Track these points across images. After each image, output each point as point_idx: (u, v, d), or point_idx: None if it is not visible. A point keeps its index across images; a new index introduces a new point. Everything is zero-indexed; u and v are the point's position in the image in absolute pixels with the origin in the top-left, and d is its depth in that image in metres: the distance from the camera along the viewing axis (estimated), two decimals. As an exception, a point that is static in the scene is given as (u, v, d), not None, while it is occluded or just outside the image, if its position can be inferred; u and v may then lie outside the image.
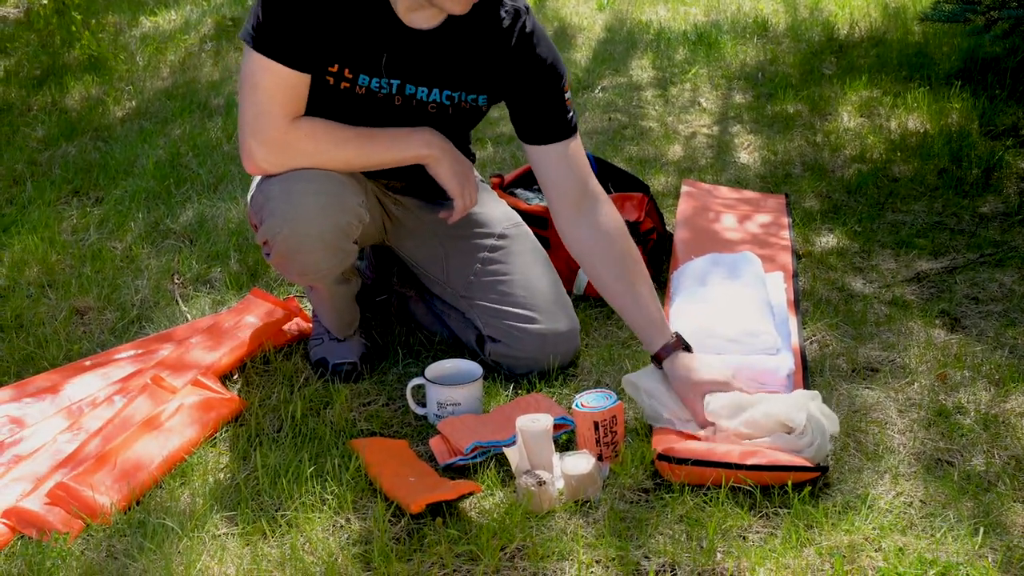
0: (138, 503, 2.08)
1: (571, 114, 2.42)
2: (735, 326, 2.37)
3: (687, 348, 2.28)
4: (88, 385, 2.46)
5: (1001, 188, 3.43)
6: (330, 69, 2.32)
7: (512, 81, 2.41)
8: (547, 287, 2.52)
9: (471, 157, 2.68)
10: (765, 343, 2.34)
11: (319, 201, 2.26)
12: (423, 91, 2.38)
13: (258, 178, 2.41)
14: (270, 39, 2.24)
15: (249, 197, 2.43)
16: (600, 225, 2.39)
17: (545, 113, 2.40)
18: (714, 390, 2.19)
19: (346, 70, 2.33)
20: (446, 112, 2.42)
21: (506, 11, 2.36)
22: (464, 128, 2.55)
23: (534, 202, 2.94)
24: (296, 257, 2.30)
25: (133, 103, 4.78)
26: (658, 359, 2.27)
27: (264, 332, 2.61)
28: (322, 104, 2.37)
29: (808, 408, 2.08)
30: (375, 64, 2.33)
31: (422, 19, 2.31)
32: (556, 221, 2.43)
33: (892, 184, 3.51)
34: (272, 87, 2.26)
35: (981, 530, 1.90)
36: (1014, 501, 2.00)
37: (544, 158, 2.41)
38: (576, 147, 2.43)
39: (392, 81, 2.35)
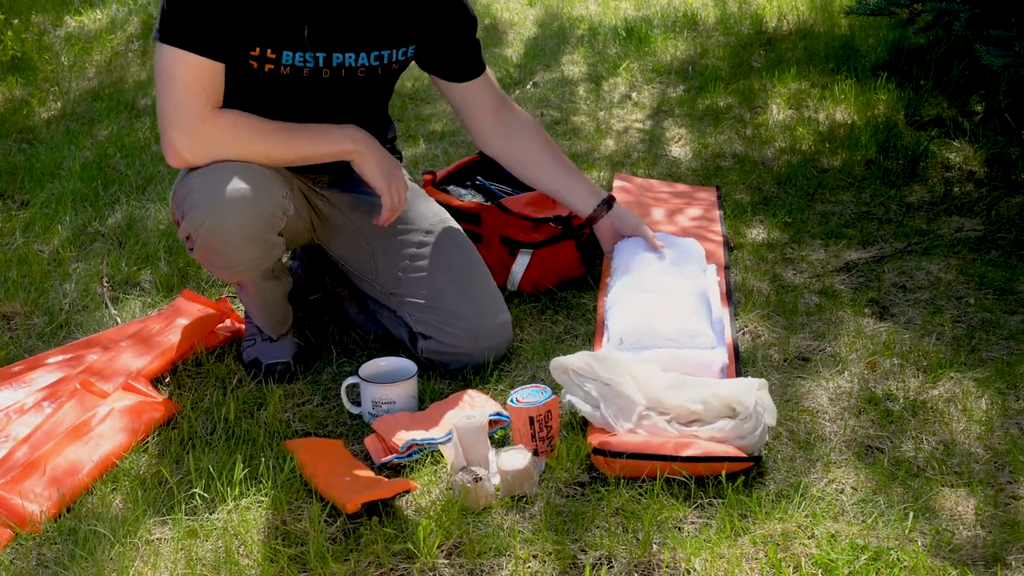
0: (68, 510, 2.05)
1: (481, 53, 2.61)
2: (674, 324, 2.37)
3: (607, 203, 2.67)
4: (15, 391, 2.41)
5: (927, 178, 3.49)
6: (252, 53, 2.30)
7: (437, 25, 2.48)
8: (476, 282, 2.52)
9: (391, 131, 2.72)
10: (702, 343, 2.35)
11: (241, 193, 2.24)
12: (351, 57, 2.38)
13: (181, 175, 2.39)
14: (180, 30, 2.23)
15: (172, 193, 2.41)
16: (523, 124, 2.67)
17: (467, 52, 2.56)
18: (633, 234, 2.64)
19: (268, 51, 2.31)
20: (375, 74, 2.44)
21: None
22: (389, 87, 2.60)
23: (467, 198, 2.94)
24: (219, 250, 2.27)
25: (59, 104, 4.71)
26: (593, 219, 2.68)
27: (196, 334, 2.58)
28: (248, 91, 2.35)
29: (755, 394, 2.10)
30: (298, 39, 2.31)
31: None
32: (483, 141, 2.67)
33: (821, 175, 3.56)
34: (188, 77, 2.25)
35: (911, 515, 1.93)
36: (942, 486, 2.03)
37: (468, 93, 2.60)
38: (488, 74, 2.63)
39: (318, 54, 2.34)
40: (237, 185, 2.24)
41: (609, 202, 2.67)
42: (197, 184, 2.26)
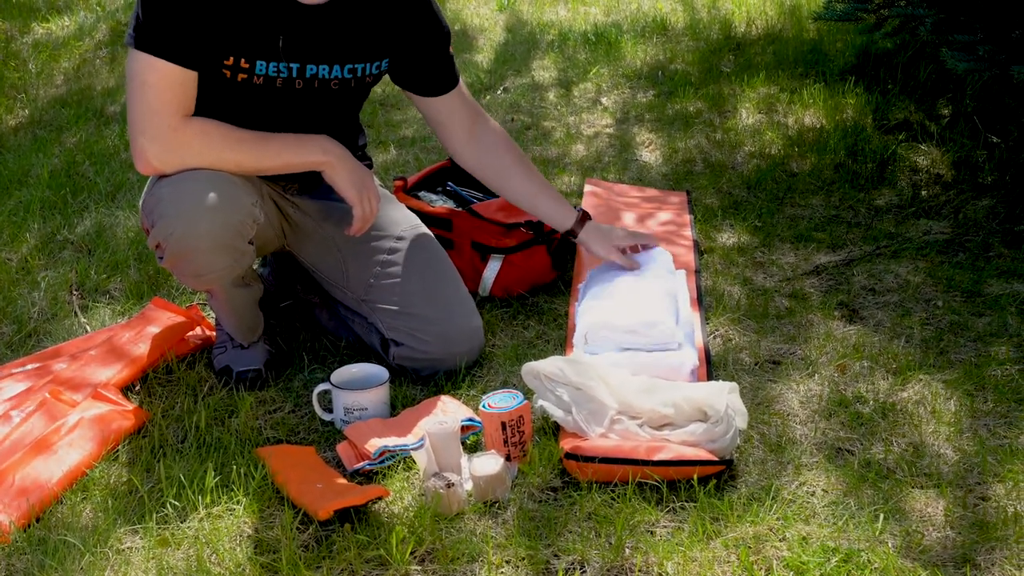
0: (38, 520, 2.04)
1: (455, 66, 2.60)
2: (633, 317, 2.38)
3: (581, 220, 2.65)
4: (-16, 401, 2.40)
5: (895, 181, 3.51)
6: (225, 62, 2.30)
7: (411, 40, 2.47)
8: (447, 287, 2.52)
9: (362, 138, 2.72)
10: (663, 334, 2.36)
11: (211, 201, 2.23)
12: (324, 69, 2.38)
13: (150, 184, 2.38)
14: (153, 37, 2.23)
15: (141, 203, 2.40)
16: (496, 138, 2.65)
17: (441, 66, 2.55)
18: (626, 243, 2.65)
19: (242, 60, 2.30)
20: (348, 86, 2.44)
21: None
22: (362, 98, 2.59)
23: (438, 204, 2.94)
24: (189, 258, 2.26)
25: (26, 111, 4.67)
26: (573, 233, 2.65)
27: (166, 342, 2.57)
28: (220, 100, 2.35)
29: (726, 398, 2.11)
30: (272, 49, 2.31)
31: None
32: (455, 153, 2.66)
33: (790, 179, 3.57)
34: (160, 85, 2.24)
35: (881, 516, 1.95)
36: (912, 487, 2.04)
37: (440, 107, 2.59)
38: (461, 86, 2.62)
39: (292, 65, 2.34)
40: (206, 194, 2.23)
41: (582, 219, 2.66)
42: (166, 193, 2.25)
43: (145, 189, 2.40)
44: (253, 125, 2.39)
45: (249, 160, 2.33)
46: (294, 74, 2.36)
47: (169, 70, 2.24)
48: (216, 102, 2.37)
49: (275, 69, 2.34)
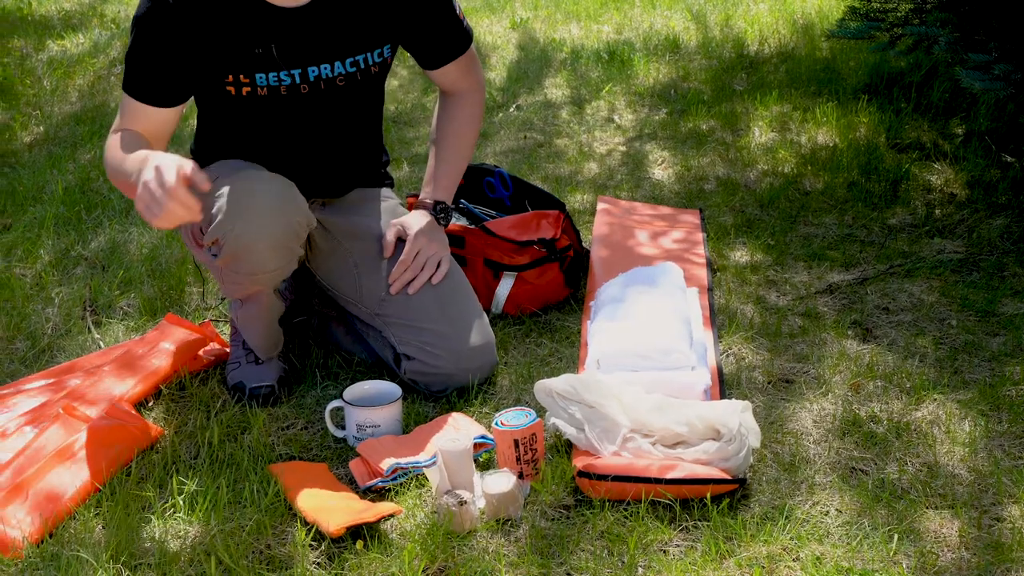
0: (51, 535, 2.04)
1: (464, 23, 2.58)
2: (648, 344, 2.39)
3: (441, 216, 2.61)
4: (-2, 416, 2.40)
5: (909, 200, 3.50)
6: (226, 81, 2.32)
7: (407, 18, 2.48)
8: (461, 303, 2.52)
9: (384, 155, 2.75)
10: (677, 361, 2.36)
11: (271, 200, 2.28)
12: (326, 68, 2.40)
13: None
14: (129, 79, 2.35)
15: None
16: (464, 102, 2.66)
17: (442, 35, 2.56)
18: (402, 228, 2.56)
19: (241, 75, 2.33)
20: (355, 80, 2.45)
21: None
22: (377, 95, 2.60)
23: (451, 221, 2.94)
24: (246, 256, 2.29)
25: (41, 128, 4.69)
26: (410, 205, 2.69)
27: (179, 358, 2.57)
28: (235, 116, 2.39)
29: (740, 416, 2.10)
30: (267, 59, 2.33)
31: None
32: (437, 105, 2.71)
33: (803, 198, 3.57)
34: (129, 115, 2.37)
35: (895, 537, 1.94)
36: (927, 508, 2.03)
37: (447, 76, 2.63)
38: (472, 55, 2.64)
39: (292, 71, 2.36)
40: (267, 193, 2.29)
41: (428, 207, 2.63)
42: (227, 191, 2.29)
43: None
44: (273, 136, 2.43)
45: (129, 174, 2.27)
46: (296, 80, 2.38)
47: (141, 109, 2.35)
48: (229, 119, 2.40)
49: (275, 78, 2.36)
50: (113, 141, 2.34)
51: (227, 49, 2.31)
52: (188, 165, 2.04)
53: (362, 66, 2.45)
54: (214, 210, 2.30)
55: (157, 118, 2.36)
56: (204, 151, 2.54)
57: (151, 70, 2.32)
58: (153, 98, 2.33)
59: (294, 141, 2.49)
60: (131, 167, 2.21)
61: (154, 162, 2.05)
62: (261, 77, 2.35)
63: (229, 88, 2.35)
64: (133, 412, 2.37)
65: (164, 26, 2.28)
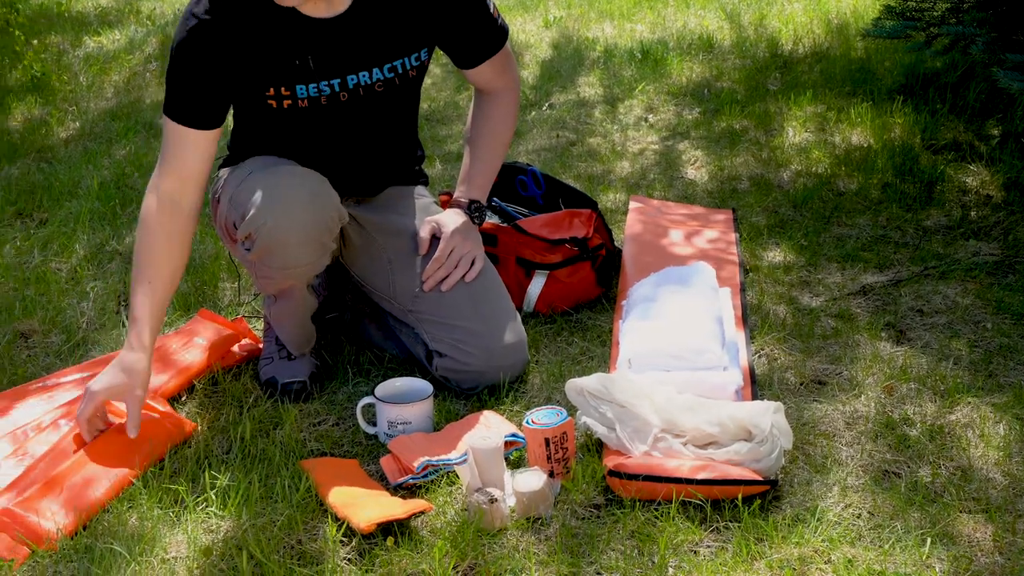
0: (85, 528, 2.06)
1: (498, 20, 2.57)
2: (680, 343, 2.38)
3: (475, 215, 2.60)
4: (33, 409, 2.42)
5: (943, 202, 3.48)
6: (267, 95, 2.34)
7: (441, 19, 2.47)
8: (493, 301, 2.52)
9: (419, 150, 2.75)
10: (709, 361, 2.35)
11: (304, 195, 2.30)
12: (364, 75, 2.41)
13: (223, 178, 2.42)
14: (169, 101, 2.34)
15: (221, 197, 2.43)
16: (500, 101, 2.66)
17: (477, 33, 2.55)
18: (437, 225, 2.56)
19: (282, 88, 2.35)
20: (394, 85, 2.46)
21: None
22: (414, 97, 2.60)
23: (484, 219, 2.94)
24: (279, 250, 2.30)
25: (77, 124, 4.73)
26: (445, 203, 2.70)
27: (213, 353, 2.59)
28: (277, 128, 2.42)
29: (771, 417, 2.09)
30: (306, 71, 2.34)
31: (324, 7, 2.33)
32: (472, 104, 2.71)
33: (837, 198, 3.55)
34: (169, 141, 2.35)
35: (928, 541, 1.93)
36: (960, 512, 2.02)
37: (482, 75, 2.63)
38: (507, 52, 2.63)
39: (332, 81, 2.37)
40: (299, 188, 2.30)
41: (462, 206, 2.63)
42: (259, 186, 2.30)
43: (220, 186, 2.43)
44: (307, 142, 2.44)
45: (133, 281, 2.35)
46: (336, 88, 2.39)
47: (178, 132, 2.33)
48: (268, 126, 2.42)
49: (315, 89, 2.37)
50: (147, 228, 2.33)
51: (267, 64, 2.33)
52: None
53: (400, 71, 2.46)
54: (247, 205, 2.31)
55: (200, 144, 2.34)
56: (240, 149, 2.55)
57: (193, 93, 2.32)
58: (195, 121, 2.32)
59: (331, 145, 2.50)
60: (133, 305, 2.30)
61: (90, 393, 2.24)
62: (301, 89, 2.37)
63: (270, 102, 2.37)
64: (167, 407, 2.38)
65: (204, 50, 2.28)
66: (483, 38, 2.57)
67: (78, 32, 6.20)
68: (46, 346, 2.78)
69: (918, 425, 2.30)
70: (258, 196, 2.29)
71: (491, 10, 2.54)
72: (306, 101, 2.39)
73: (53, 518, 2.04)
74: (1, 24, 5.66)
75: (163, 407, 2.37)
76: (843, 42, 5.19)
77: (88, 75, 5.41)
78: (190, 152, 2.34)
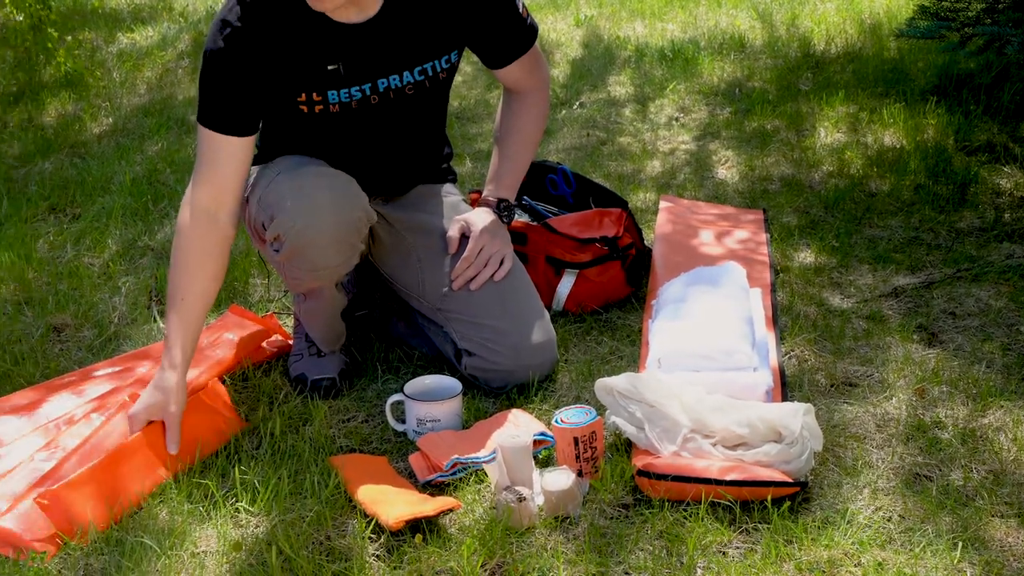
0: (117, 522, 2.07)
1: (528, 19, 2.57)
2: (709, 344, 2.37)
3: (504, 214, 2.60)
4: (65, 403, 2.43)
5: (977, 203, 3.45)
6: (298, 100, 2.35)
7: (470, 20, 2.47)
8: (522, 300, 2.52)
9: (447, 148, 2.76)
10: (739, 362, 2.34)
11: (332, 196, 2.31)
12: (395, 79, 2.41)
13: (253, 176, 2.43)
14: (202, 109, 2.34)
15: (250, 197, 2.44)
16: (530, 101, 2.66)
17: (506, 34, 2.55)
18: (466, 224, 2.56)
19: (313, 94, 2.36)
20: (424, 87, 2.46)
21: None
22: (444, 97, 2.61)
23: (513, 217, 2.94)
24: (307, 252, 2.31)
25: (110, 119, 4.77)
26: (474, 202, 2.70)
27: (243, 349, 2.60)
28: (307, 131, 2.42)
29: (802, 419, 2.08)
30: (336, 76, 2.35)
31: (354, 13, 2.33)
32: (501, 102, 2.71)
33: (869, 199, 3.53)
34: (204, 149, 2.35)
35: (960, 545, 1.91)
36: (992, 516, 2.00)
37: (511, 74, 2.62)
38: (536, 52, 2.64)
39: (363, 86, 2.38)
40: (327, 189, 2.31)
41: (491, 205, 2.63)
42: (288, 188, 2.31)
43: (250, 185, 2.44)
44: (337, 144, 2.45)
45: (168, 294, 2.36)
46: (367, 92, 2.39)
47: (212, 140, 2.33)
48: (298, 129, 2.43)
49: (347, 94, 2.38)
50: (184, 242, 2.33)
51: (298, 70, 2.34)
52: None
53: (430, 73, 2.46)
54: (275, 207, 2.32)
55: (234, 152, 2.34)
56: (269, 148, 2.56)
57: (227, 100, 2.32)
58: (230, 127, 2.32)
59: (361, 146, 2.51)
60: (166, 324, 2.32)
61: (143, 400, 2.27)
62: (333, 94, 2.38)
63: (302, 107, 2.38)
64: (227, 401, 2.41)
65: (237, 57, 2.28)
66: (512, 38, 2.56)
67: (111, 28, 6.24)
68: (78, 340, 2.81)
69: (950, 428, 2.29)
70: (286, 198, 2.30)
71: (520, 10, 2.54)
72: (337, 106, 2.40)
73: (84, 511, 2.05)
74: (34, 22, 5.71)
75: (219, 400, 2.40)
76: (876, 42, 5.16)
77: (121, 71, 5.44)
78: (225, 159, 2.33)
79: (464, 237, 2.56)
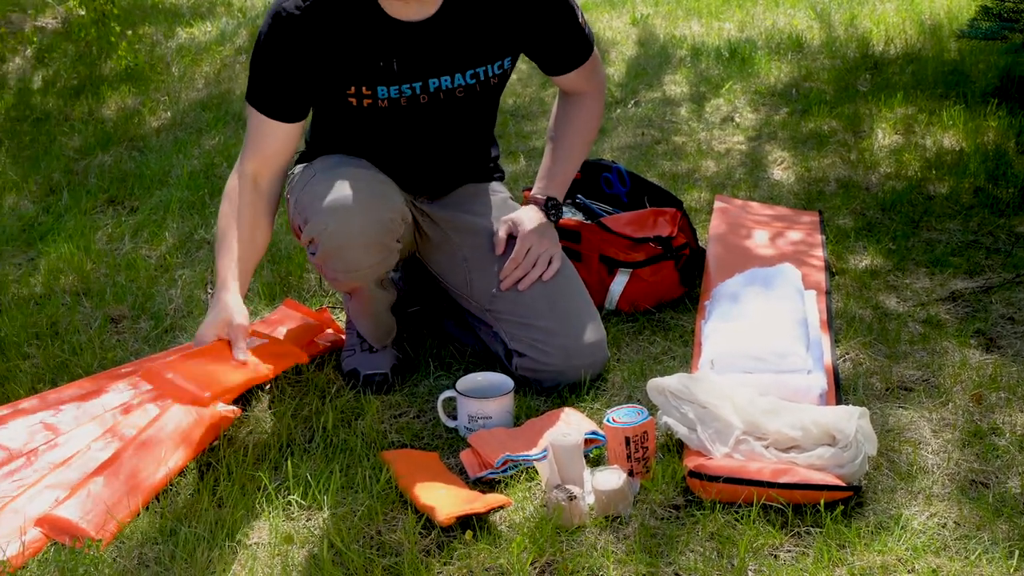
0: (170, 511, 2.09)
1: (587, 30, 2.56)
2: (763, 346, 2.35)
3: (552, 212, 2.59)
4: (122, 392, 2.47)
5: (1038, 208, 3.41)
6: (348, 92, 2.36)
7: (529, 29, 2.47)
8: (571, 300, 2.52)
9: (494, 149, 2.76)
10: (793, 364, 2.32)
11: (365, 198, 2.31)
12: (446, 80, 2.42)
13: (295, 176, 2.44)
14: (252, 90, 2.39)
15: (290, 197, 2.46)
16: (584, 102, 2.66)
17: (565, 43, 2.54)
18: (513, 224, 2.56)
19: (363, 88, 2.36)
20: (474, 91, 2.46)
21: None
22: (494, 102, 2.61)
23: (567, 216, 2.94)
24: (342, 254, 2.32)
25: (168, 113, 4.82)
26: (526, 200, 2.67)
27: (297, 342, 2.62)
28: (354, 125, 2.43)
29: (856, 422, 2.07)
30: (389, 73, 2.35)
31: (414, 10, 2.34)
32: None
33: (927, 202, 3.49)
34: (252, 130, 2.41)
35: (1016, 553, 1.89)
36: (1050, 524, 1.98)
37: (568, 81, 2.62)
38: (594, 60, 2.63)
39: (413, 84, 2.38)
40: (361, 191, 2.31)
41: (539, 203, 2.62)
42: (321, 190, 2.32)
43: (291, 186, 2.46)
44: (384, 142, 2.45)
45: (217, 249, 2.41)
46: (417, 91, 2.40)
47: (260, 121, 2.38)
48: (346, 124, 2.44)
49: (397, 91, 2.39)
50: (228, 201, 2.40)
51: (350, 63, 2.35)
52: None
53: (482, 78, 2.46)
54: (310, 211, 2.34)
55: (280, 134, 2.39)
56: (316, 144, 2.57)
57: (276, 85, 2.36)
58: (276, 112, 2.37)
59: (408, 145, 2.51)
60: (216, 266, 2.37)
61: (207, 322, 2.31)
62: (383, 90, 2.38)
63: (351, 100, 2.39)
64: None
65: (289, 42, 2.31)
66: (571, 48, 2.56)
67: (171, 24, 6.31)
68: (135, 331, 2.84)
69: (1007, 435, 2.25)
70: (319, 200, 2.31)
71: (580, 20, 2.53)
72: (386, 102, 2.40)
73: (140, 500, 2.07)
74: (97, 16, 5.79)
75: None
76: (936, 43, 5.10)
77: (180, 66, 5.50)
78: (269, 141, 2.39)
79: (512, 237, 2.56)
